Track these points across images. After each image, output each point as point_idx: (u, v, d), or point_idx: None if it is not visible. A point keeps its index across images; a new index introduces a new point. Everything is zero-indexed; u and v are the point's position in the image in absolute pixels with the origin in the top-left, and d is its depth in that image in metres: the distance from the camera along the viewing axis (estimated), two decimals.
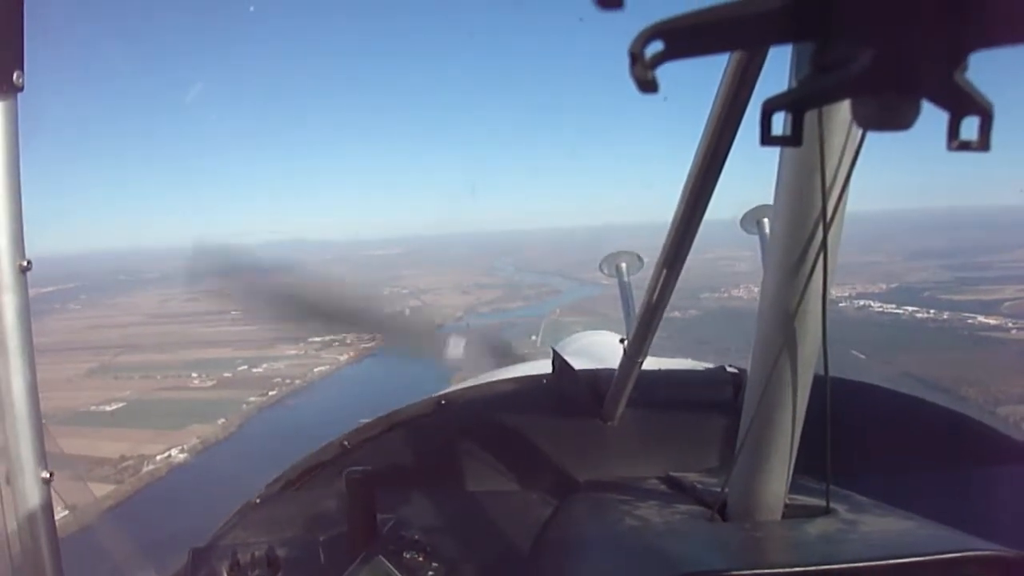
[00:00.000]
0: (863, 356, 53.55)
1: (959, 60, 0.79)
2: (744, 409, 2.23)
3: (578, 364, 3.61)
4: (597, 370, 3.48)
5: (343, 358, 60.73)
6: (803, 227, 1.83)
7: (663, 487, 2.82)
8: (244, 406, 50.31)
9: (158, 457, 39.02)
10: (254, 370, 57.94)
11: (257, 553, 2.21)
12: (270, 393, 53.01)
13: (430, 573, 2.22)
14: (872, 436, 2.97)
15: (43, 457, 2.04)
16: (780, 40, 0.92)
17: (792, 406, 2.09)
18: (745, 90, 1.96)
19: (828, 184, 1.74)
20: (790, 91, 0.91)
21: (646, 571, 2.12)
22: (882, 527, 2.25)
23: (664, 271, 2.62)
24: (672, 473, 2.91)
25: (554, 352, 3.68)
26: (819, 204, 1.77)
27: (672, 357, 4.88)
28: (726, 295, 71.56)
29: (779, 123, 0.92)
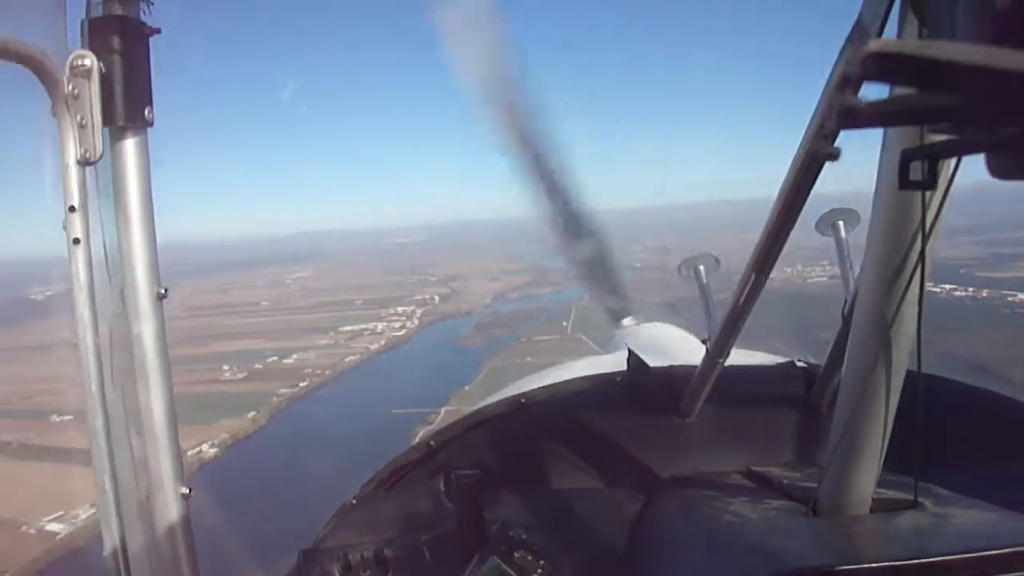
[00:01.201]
0: None
1: None
2: (838, 406, 2.30)
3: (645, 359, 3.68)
4: (671, 367, 3.57)
5: (373, 347, 61.31)
6: (901, 234, 1.93)
7: (747, 482, 2.90)
8: (275, 398, 50.57)
9: (189, 453, 38.57)
10: (284, 361, 58.35)
11: (366, 554, 2.36)
12: (300, 384, 53.20)
13: (539, 571, 2.30)
14: (954, 432, 2.85)
15: (181, 474, 2.14)
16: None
17: (885, 404, 2.16)
18: None
19: (928, 195, 1.85)
20: (930, 145, 1.06)
21: (749, 567, 2.16)
22: (971, 519, 2.29)
23: (753, 275, 2.72)
24: (754, 468, 2.97)
25: (629, 351, 3.69)
26: (918, 212, 1.87)
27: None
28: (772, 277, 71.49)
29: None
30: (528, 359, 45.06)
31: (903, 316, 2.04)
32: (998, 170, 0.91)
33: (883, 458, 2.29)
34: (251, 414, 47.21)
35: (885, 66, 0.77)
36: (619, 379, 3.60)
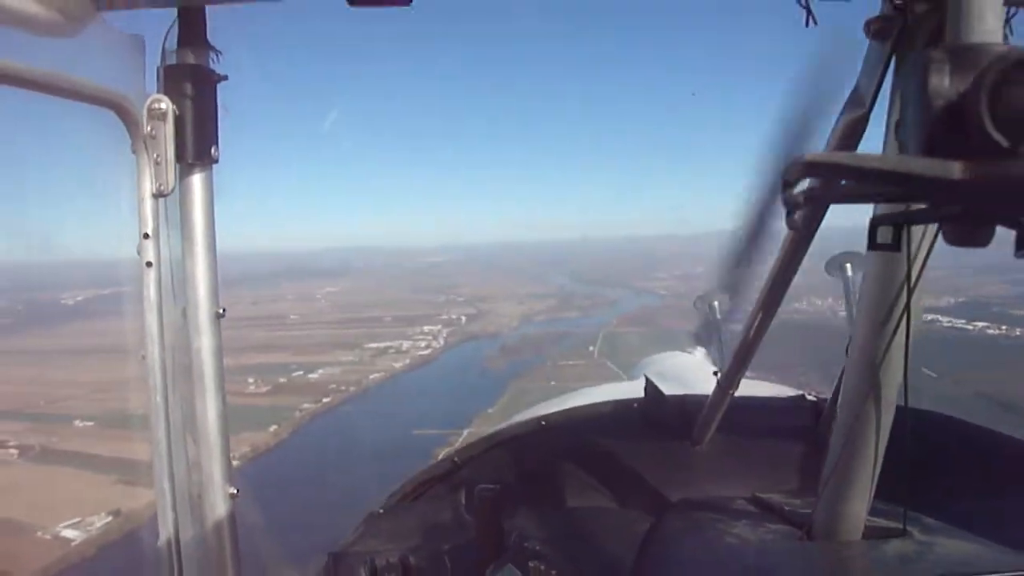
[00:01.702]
0: (934, 375, 52.11)
1: None
2: (832, 437, 2.49)
3: (661, 386, 3.83)
4: (685, 396, 3.73)
5: (398, 365, 61.27)
6: (890, 283, 2.14)
7: (751, 507, 3.07)
8: (297, 413, 50.53)
9: None
10: (309, 376, 58.35)
11: (391, 559, 2.51)
12: (324, 400, 53.14)
13: None
14: (945, 465, 3.06)
15: (230, 476, 2.38)
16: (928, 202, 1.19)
17: (875, 436, 2.36)
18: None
19: (915, 243, 2.06)
20: (898, 213, 1.25)
21: None
22: (955, 549, 2.45)
23: (760, 313, 2.91)
24: (758, 494, 3.13)
25: (646, 379, 3.86)
26: (904, 265, 2.09)
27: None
28: (787, 307, 70.56)
29: None
30: (553, 383, 44.77)
31: (892, 356, 2.23)
32: (948, 239, 1.17)
33: (874, 488, 2.46)
34: (273, 428, 47.12)
35: (817, 171, 1.06)
36: (636, 405, 3.77)
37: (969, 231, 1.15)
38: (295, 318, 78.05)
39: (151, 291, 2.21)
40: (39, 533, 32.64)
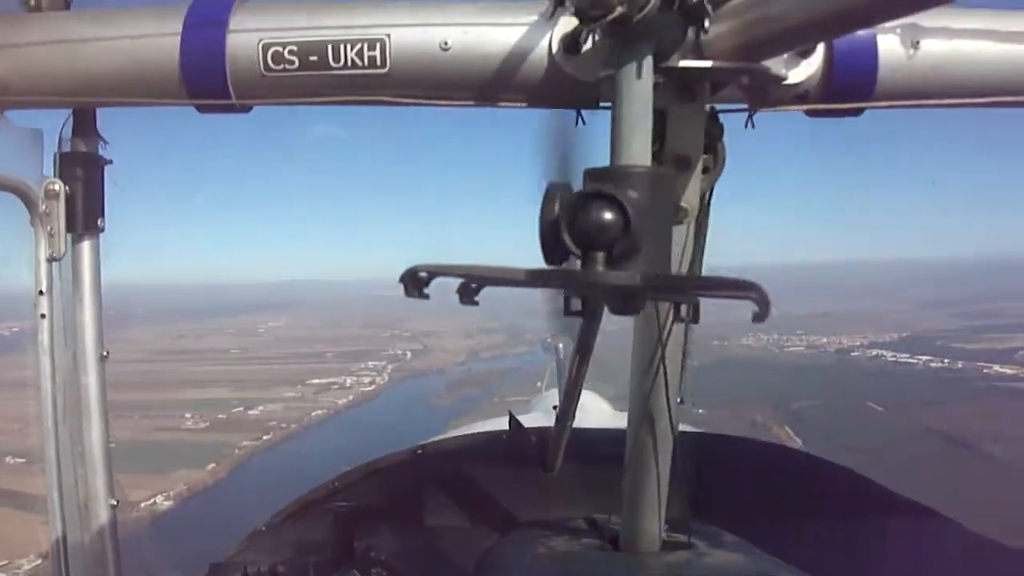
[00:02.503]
0: (880, 408, 53.48)
1: None
2: (626, 462, 2.82)
3: (547, 419, 4.00)
4: (544, 427, 3.88)
5: (341, 402, 60.71)
6: (651, 327, 2.37)
7: (582, 525, 3.39)
8: (237, 450, 49.56)
9: (143, 504, 37.52)
10: (250, 412, 57.54)
11: (263, 569, 2.73)
12: (264, 437, 52.30)
13: None
14: (736, 484, 3.57)
15: (112, 490, 2.88)
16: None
17: (656, 460, 2.72)
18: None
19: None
20: (586, 288, 1.50)
21: None
22: (733, 562, 2.86)
23: (578, 357, 3.01)
24: (595, 515, 3.43)
25: (510, 414, 4.17)
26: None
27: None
28: (735, 344, 71.76)
29: None
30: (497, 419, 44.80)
31: (660, 389, 2.57)
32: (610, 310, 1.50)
33: (663, 505, 2.80)
34: (211, 466, 46.27)
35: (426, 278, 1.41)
36: (504, 437, 4.10)
37: (618, 307, 1.52)
38: (236, 352, 76.86)
39: (44, 338, 2.69)
40: None
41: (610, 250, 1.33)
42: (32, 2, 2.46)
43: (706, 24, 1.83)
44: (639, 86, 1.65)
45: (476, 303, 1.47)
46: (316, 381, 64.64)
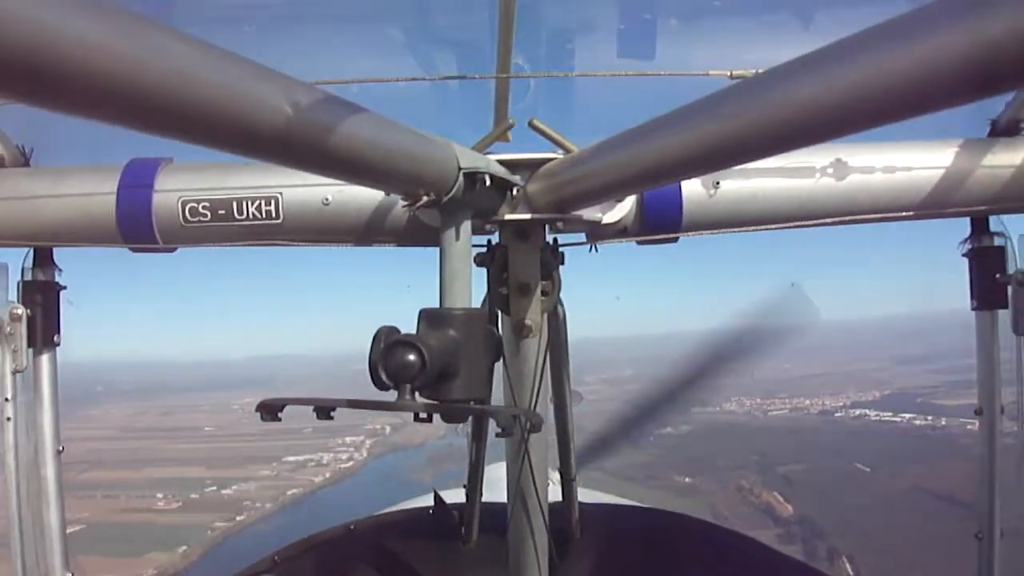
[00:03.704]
0: (867, 469, 53.17)
1: None
2: (508, 535, 3.45)
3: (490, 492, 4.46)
4: (463, 503, 4.49)
5: (318, 480, 59.85)
6: None
7: None
8: (209, 532, 48.82)
9: None
10: (223, 492, 56.67)
11: None
12: (238, 518, 51.46)
13: None
14: (618, 548, 4.24)
15: (68, 563, 3.39)
16: None
17: (532, 533, 3.35)
18: None
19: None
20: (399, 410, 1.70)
21: None
22: None
23: (474, 444, 3.76)
24: None
25: (434, 492, 4.65)
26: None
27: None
28: (718, 409, 71.46)
29: None
30: None
31: (526, 473, 3.15)
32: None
33: (545, 570, 3.46)
34: (183, 548, 45.49)
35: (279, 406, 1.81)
36: (429, 512, 4.56)
37: (443, 420, 1.87)
38: (210, 430, 75.64)
39: (9, 437, 3.21)
40: None
41: (412, 383, 1.68)
42: None
43: (514, 192, 2.40)
44: (458, 246, 2.11)
45: (332, 418, 1.85)
46: (292, 458, 63.54)
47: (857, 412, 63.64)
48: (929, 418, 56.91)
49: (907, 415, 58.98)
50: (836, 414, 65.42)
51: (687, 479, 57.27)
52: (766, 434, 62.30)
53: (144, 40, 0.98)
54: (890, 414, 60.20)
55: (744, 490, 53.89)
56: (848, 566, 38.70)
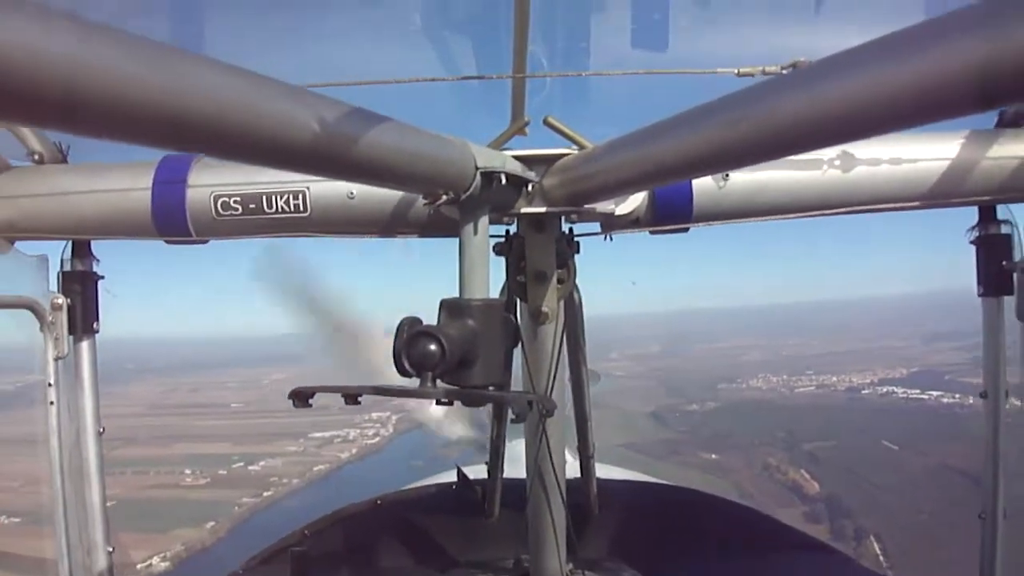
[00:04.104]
0: (895, 447, 52.75)
1: None
2: (527, 510, 3.58)
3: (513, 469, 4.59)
4: (485, 480, 4.64)
5: (344, 456, 60.22)
6: None
7: (508, 564, 4.18)
8: (236, 508, 49.24)
9: (139, 566, 36.43)
10: (251, 468, 57.08)
11: None
12: (265, 494, 51.74)
13: None
14: (635, 524, 4.38)
15: (109, 539, 3.60)
16: None
17: (549, 507, 3.47)
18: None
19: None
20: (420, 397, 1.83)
21: None
22: None
23: (496, 422, 4.02)
24: (523, 555, 4.08)
25: (457, 467, 4.75)
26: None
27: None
28: (744, 386, 71.29)
29: None
30: None
31: (555, 444, 3.33)
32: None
33: (563, 545, 3.56)
34: (210, 524, 45.86)
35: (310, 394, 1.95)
36: (453, 487, 4.68)
37: (464, 404, 1.94)
38: (238, 406, 76.33)
39: (53, 421, 3.39)
40: None
41: (433, 371, 1.79)
42: (36, 157, 3.16)
43: (529, 188, 2.52)
44: (476, 240, 2.22)
45: (359, 403, 1.98)
46: (319, 434, 63.86)
47: (884, 389, 63.14)
48: (956, 396, 56.21)
49: (935, 392, 58.40)
50: (863, 391, 64.96)
51: (713, 456, 57.24)
52: (792, 411, 62.04)
53: (169, 67, 1.07)
54: (917, 391, 59.64)
55: (771, 467, 53.78)
56: (876, 545, 38.59)
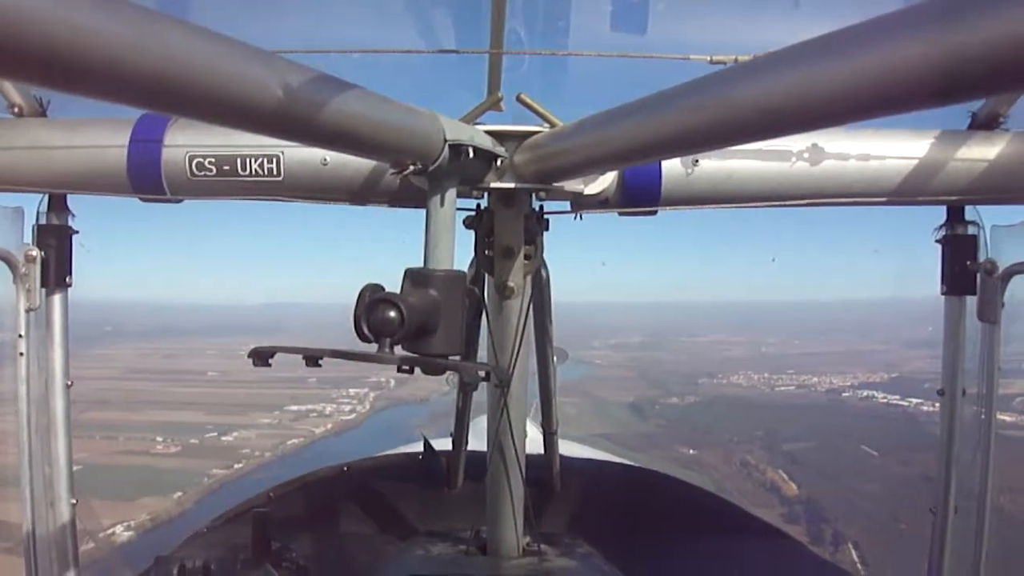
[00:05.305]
0: (875, 453, 52.89)
1: None
2: (487, 482, 3.75)
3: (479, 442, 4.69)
4: (449, 451, 4.74)
5: (318, 431, 60.00)
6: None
7: (467, 534, 4.28)
8: (206, 479, 48.83)
9: (100, 535, 30.13)
10: (223, 438, 56.75)
11: (197, 563, 3.28)
12: (236, 466, 51.25)
13: None
14: (595, 502, 4.53)
15: (72, 491, 3.68)
16: None
17: (508, 482, 3.61)
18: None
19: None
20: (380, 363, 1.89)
21: None
22: (569, 567, 3.82)
23: (461, 394, 4.17)
24: (481, 527, 4.22)
25: (424, 438, 4.96)
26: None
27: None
28: (724, 381, 71.58)
29: None
30: None
31: (515, 420, 3.49)
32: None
33: (519, 519, 3.73)
34: (177, 495, 45.39)
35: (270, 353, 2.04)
36: (417, 457, 4.87)
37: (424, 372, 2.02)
38: (214, 375, 75.88)
39: (22, 371, 3.49)
40: None
41: (392, 337, 1.86)
42: (16, 109, 3.19)
43: (498, 163, 2.59)
44: (443, 211, 2.29)
45: (319, 366, 2.03)
46: (294, 408, 63.49)
47: (865, 393, 63.46)
48: (936, 405, 56.38)
49: (915, 400, 58.82)
50: (843, 393, 65.20)
51: (691, 451, 57.54)
52: (772, 410, 62.34)
53: (146, 28, 1.11)
54: (898, 397, 59.95)
55: (749, 465, 53.99)
56: (854, 552, 38.88)
